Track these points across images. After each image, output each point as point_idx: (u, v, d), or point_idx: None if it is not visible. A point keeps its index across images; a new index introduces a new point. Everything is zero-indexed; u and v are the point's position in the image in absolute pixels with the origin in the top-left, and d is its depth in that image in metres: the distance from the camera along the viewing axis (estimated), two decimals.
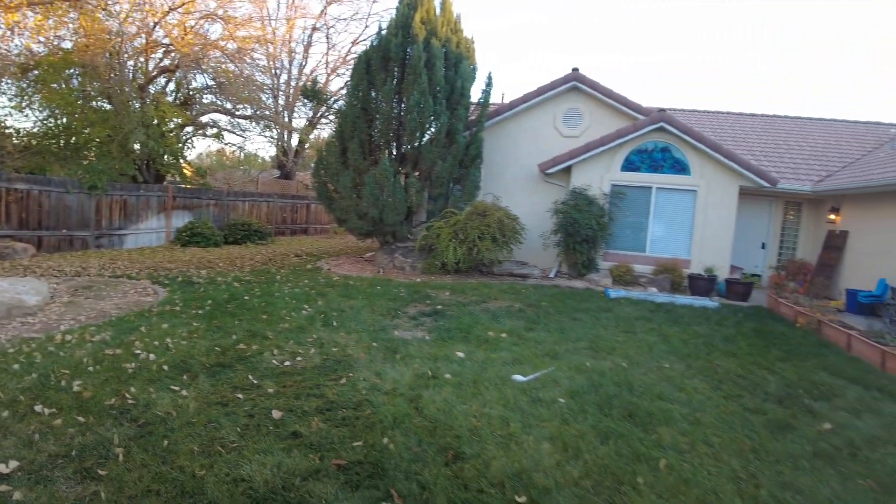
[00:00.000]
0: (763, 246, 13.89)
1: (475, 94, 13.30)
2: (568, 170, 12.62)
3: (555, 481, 3.25)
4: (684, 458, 3.71)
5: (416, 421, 3.99)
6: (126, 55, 15.93)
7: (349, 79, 13.15)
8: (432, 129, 12.09)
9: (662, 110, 11.97)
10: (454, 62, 12.36)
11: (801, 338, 7.83)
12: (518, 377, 5.19)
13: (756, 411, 4.80)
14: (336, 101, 20.49)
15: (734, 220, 11.97)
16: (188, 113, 18.35)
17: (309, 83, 18.99)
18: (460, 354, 5.88)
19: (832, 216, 12.61)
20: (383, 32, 12.50)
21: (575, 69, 12.86)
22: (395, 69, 12.12)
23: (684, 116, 16.83)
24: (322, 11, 21.78)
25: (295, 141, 22.46)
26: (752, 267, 13.64)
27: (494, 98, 16.55)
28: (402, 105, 12.08)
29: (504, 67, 48.70)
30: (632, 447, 3.78)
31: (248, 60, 18.38)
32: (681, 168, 12.07)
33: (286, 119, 21.44)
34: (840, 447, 4.13)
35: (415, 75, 11.61)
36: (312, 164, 15.58)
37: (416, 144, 12.07)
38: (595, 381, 5.23)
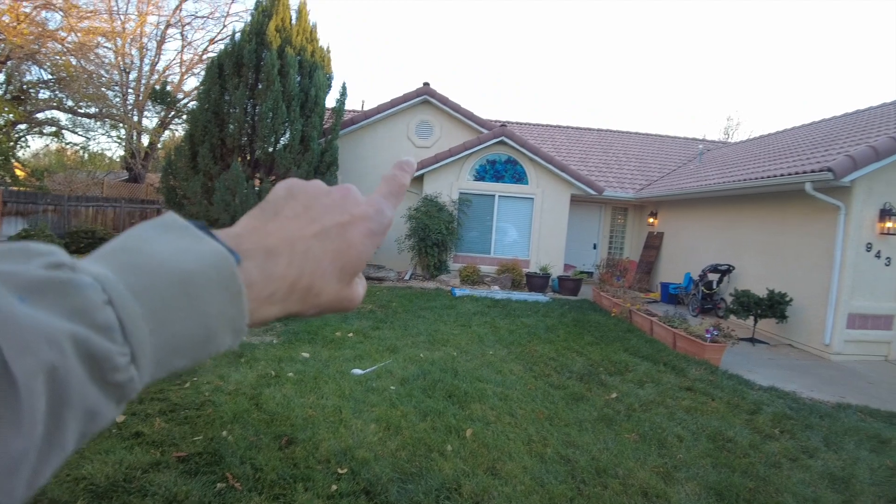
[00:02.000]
0: (594, 246, 15.85)
1: (332, 103, 13.87)
2: (421, 178, 13.61)
3: (374, 454, 3.90)
4: (489, 427, 4.58)
5: (256, 415, 4.37)
6: None
7: (201, 82, 13.20)
8: (287, 136, 12.52)
9: (504, 125, 13.33)
10: (309, 71, 12.89)
11: (613, 325, 9.31)
12: (357, 371, 5.84)
13: (559, 387, 5.90)
14: (188, 101, 20.03)
15: (566, 224, 13.62)
16: (21, 109, 17.16)
17: (158, 86, 18.43)
18: (305, 355, 6.44)
19: (651, 220, 14.73)
20: (237, 38, 12.70)
21: (426, 84, 13.90)
22: (249, 75, 12.41)
23: (533, 130, 18.59)
24: (177, 7, 21.17)
25: (146, 142, 21.59)
26: (590, 265, 15.48)
27: (356, 106, 17.27)
28: (256, 111, 12.39)
29: (372, 76, 49.62)
30: (446, 422, 4.59)
31: (93, 55, 17.54)
32: (520, 178, 13.51)
33: (136, 119, 20.59)
34: (620, 411, 5.30)
35: (268, 82, 12.02)
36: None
37: (270, 150, 12.44)
38: (425, 369, 6.07)
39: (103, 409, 0.31)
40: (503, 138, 13.16)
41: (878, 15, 44.38)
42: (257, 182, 12.52)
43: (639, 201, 14.98)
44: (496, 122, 13.71)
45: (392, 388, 5.40)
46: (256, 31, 12.62)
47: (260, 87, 12.23)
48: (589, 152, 17.30)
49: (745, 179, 10.15)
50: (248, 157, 12.75)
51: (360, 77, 49.80)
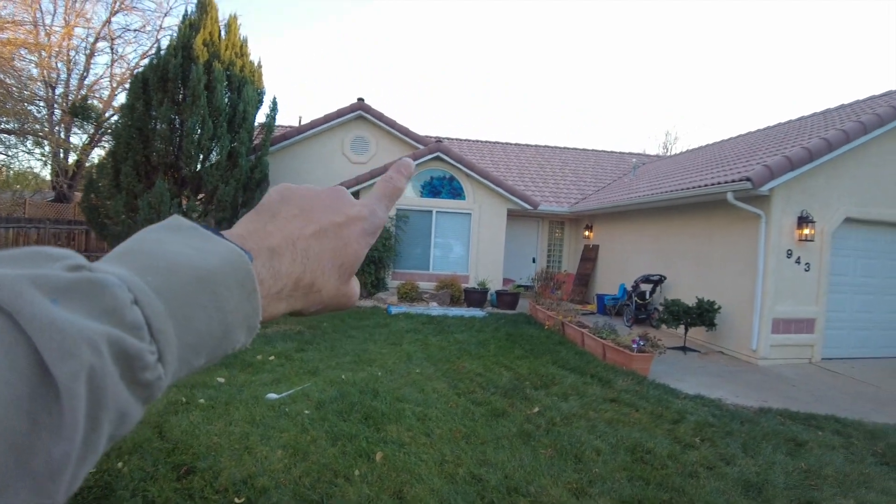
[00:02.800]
0: (534, 260, 15.84)
1: (264, 119, 13.48)
2: (357, 195, 13.30)
3: (276, 482, 3.64)
4: (403, 449, 4.33)
5: (157, 444, 4.13)
6: None
7: (126, 97, 12.60)
8: (215, 153, 12.05)
9: (440, 141, 13.21)
10: (238, 86, 12.48)
11: (545, 338, 9.17)
12: (272, 396, 5.51)
13: (482, 403, 5.67)
14: (116, 117, 19.16)
15: (504, 239, 13.54)
16: None
17: (79, 101, 17.58)
18: (220, 380, 6.06)
19: (587, 233, 14.83)
20: (162, 52, 12.21)
21: (360, 99, 13.69)
22: (175, 90, 11.91)
23: (472, 147, 18.60)
24: (107, 20, 20.35)
25: (73, 159, 20.53)
26: (525, 279, 15.43)
27: (293, 122, 16.85)
28: (182, 127, 11.88)
29: (315, 93, 49.03)
30: (357, 446, 4.32)
31: (11, 69, 16.58)
32: (457, 193, 13.38)
33: (62, 135, 19.58)
34: (540, 426, 5.10)
35: (194, 97, 11.55)
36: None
37: (196, 168, 11.92)
38: (345, 391, 5.77)
39: (132, 410, 0.31)
40: (439, 154, 13.02)
41: (814, 28, 46.90)
42: (184, 200, 11.96)
43: (574, 215, 15.07)
44: (433, 138, 13.56)
45: (306, 412, 5.10)
46: (183, 44, 12.16)
47: (186, 102, 11.74)
48: (526, 167, 17.39)
49: (670, 191, 10.28)
50: (175, 175, 12.19)
51: (302, 94, 49.04)
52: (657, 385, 6.76)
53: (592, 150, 19.96)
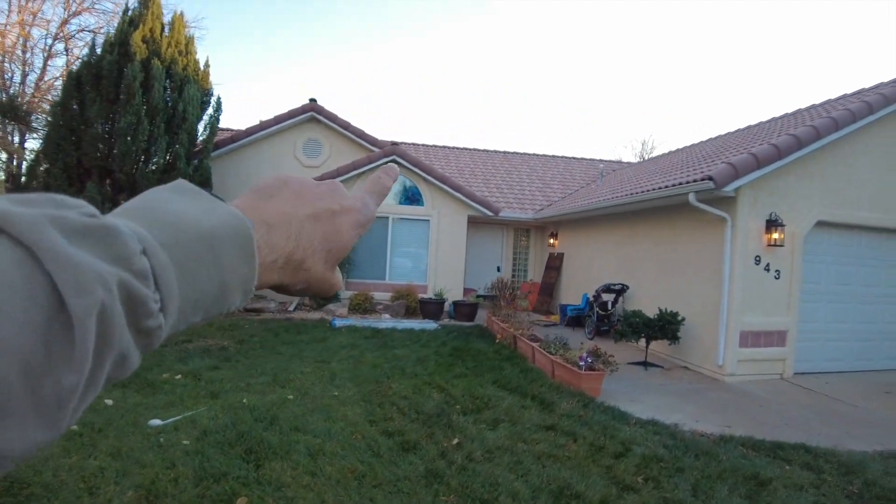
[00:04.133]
0: (498, 269, 14.94)
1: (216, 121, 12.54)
2: None
3: None
4: (277, 492, 3.53)
5: None
6: None
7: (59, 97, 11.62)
8: (154, 155, 11.09)
9: (395, 144, 12.34)
10: (179, 85, 11.52)
11: (494, 353, 8.26)
12: (156, 421, 4.72)
13: (394, 434, 4.79)
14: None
15: (465, 246, 12.65)
16: None
17: (6, 101, 16.53)
18: (108, 402, 5.24)
19: (552, 240, 13.97)
20: (98, 49, 11.27)
21: (312, 100, 12.80)
22: (110, 89, 10.95)
23: (439, 153, 17.77)
24: (64, 20, 19.39)
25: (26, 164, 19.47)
26: (489, 289, 14.51)
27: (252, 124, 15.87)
28: (115, 128, 10.91)
29: (280, 97, 47.81)
30: (224, 487, 3.54)
31: None
32: (415, 199, 12.49)
33: (15, 140, 18.52)
34: (454, 462, 4.21)
35: (129, 96, 10.60)
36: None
37: (132, 171, 10.93)
38: (239, 418, 4.96)
39: (132, 355, 0.32)
40: (395, 157, 12.13)
41: (818, 33, 46.83)
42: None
43: (538, 222, 14.22)
44: (391, 142, 12.66)
45: (185, 442, 4.29)
46: (121, 41, 11.23)
47: (121, 101, 10.77)
48: (493, 174, 16.55)
49: (631, 193, 9.45)
50: (110, 179, 11.20)
51: (265, 98, 47.74)
52: (606, 408, 5.87)
53: (562, 157, 19.19)
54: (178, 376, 6.38)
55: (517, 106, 52.41)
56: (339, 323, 10.18)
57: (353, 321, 10.40)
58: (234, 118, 48.90)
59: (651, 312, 8.18)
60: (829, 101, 10.05)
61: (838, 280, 8.46)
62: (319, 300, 11.80)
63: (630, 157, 33.81)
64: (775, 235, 7.63)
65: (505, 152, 18.95)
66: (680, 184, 7.88)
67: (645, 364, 8.20)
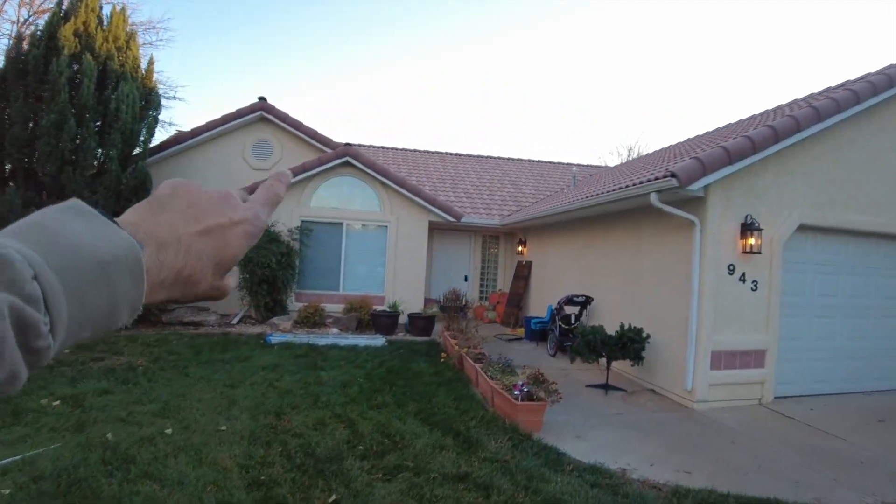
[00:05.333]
0: (466, 278, 13.81)
1: (155, 122, 11.46)
2: None
3: None
4: None
5: None
6: None
7: None
8: (85, 157, 10.00)
9: (349, 144, 11.27)
10: (114, 82, 10.45)
11: (433, 376, 7.19)
12: None
13: (262, 486, 3.83)
14: None
15: (425, 254, 11.55)
16: None
17: None
18: None
19: (520, 248, 12.86)
20: (24, 43, 10.22)
21: (262, 98, 11.73)
22: (36, 85, 9.88)
23: (408, 156, 16.69)
24: (26, 22, 18.40)
25: None
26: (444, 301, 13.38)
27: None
28: (38, 126, 9.83)
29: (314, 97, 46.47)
30: None
31: None
32: (371, 203, 11.40)
33: None
34: None
35: (54, 93, 9.53)
36: None
37: (58, 173, 9.84)
38: (86, 459, 3.96)
39: (22, 373, 0.34)
40: (348, 158, 11.06)
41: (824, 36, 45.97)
42: None
43: (506, 228, 13.10)
44: (345, 143, 11.56)
45: (6, 491, 3.46)
46: (49, 34, 10.17)
47: (46, 99, 9.71)
48: (462, 178, 15.46)
49: (591, 196, 8.37)
50: (34, 182, 10.11)
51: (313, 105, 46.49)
52: (542, 448, 4.76)
53: (537, 161, 18.12)
54: (57, 402, 5.41)
55: (517, 106, 51.07)
56: (274, 339, 9.05)
57: (292, 337, 9.26)
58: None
59: (616, 327, 7.07)
60: (811, 95, 8.97)
61: (824, 291, 7.35)
62: (263, 313, 10.70)
63: (616, 163, 32.69)
64: (751, 241, 6.53)
65: (478, 156, 17.89)
66: (640, 182, 6.78)
67: (605, 387, 7.08)
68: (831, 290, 7.39)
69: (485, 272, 13.98)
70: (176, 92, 16.09)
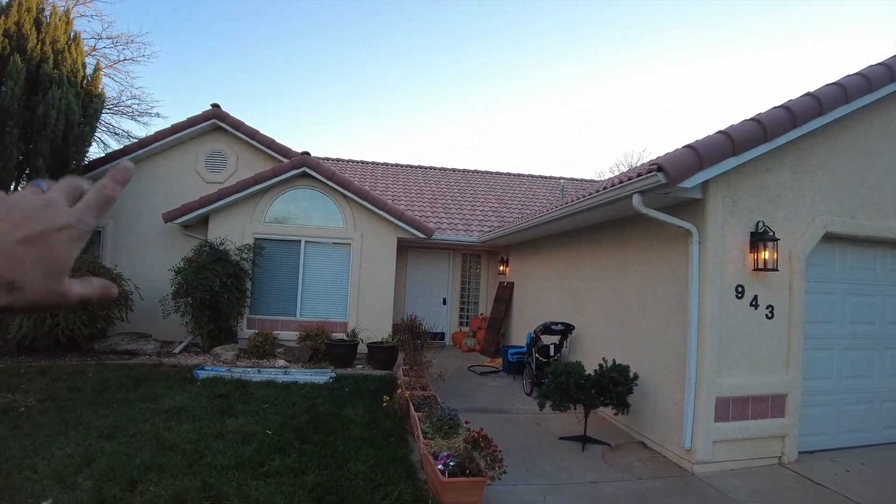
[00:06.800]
0: (444, 301, 12.15)
1: (91, 131, 10.12)
2: (205, 219, 9.81)
3: None
4: None
5: None
6: None
7: None
8: (13, 167, 8.65)
9: (307, 153, 9.79)
10: (47, 86, 9.13)
11: (367, 426, 5.63)
12: None
13: None
14: None
15: (394, 275, 9.96)
16: None
17: None
18: None
19: (502, 267, 11.24)
20: None
21: (215, 105, 10.33)
22: None
23: (389, 170, 15.22)
24: None
25: None
26: (436, 325, 11.74)
27: None
28: None
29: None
30: None
31: None
32: (332, 219, 9.88)
33: None
34: None
35: None
36: None
37: None
38: None
39: None
40: (305, 169, 9.59)
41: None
42: None
43: (488, 246, 11.49)
44: (303, 152, 10.07)
45: None
46: None
47: None
48: (443, 193, 13.91)
49: (569, 203, 6.77)
50: None
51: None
52: None
53: (527, 175, 16.52)
54: None
55: (516, 107, 49.36)
56: (203, 373, 7.48)
57: (226, 371, 7.69)
58: None
59: (602, 361, 5.42)
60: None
61: (857, 317, 5.64)
62: (208, 341, 9.15)
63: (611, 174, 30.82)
64: (765, 255, 4.88)
65: (462, 170, 16.34)
66: (622, 182, 5.17)
67: (583, 440, 5.39)
68: (867, 315, 5.68)
69: (465, 295, 12.33)
70: (152, 107, 14.97)
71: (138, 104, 16.46)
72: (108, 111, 15.97)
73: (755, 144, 4.73)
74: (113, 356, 8.77)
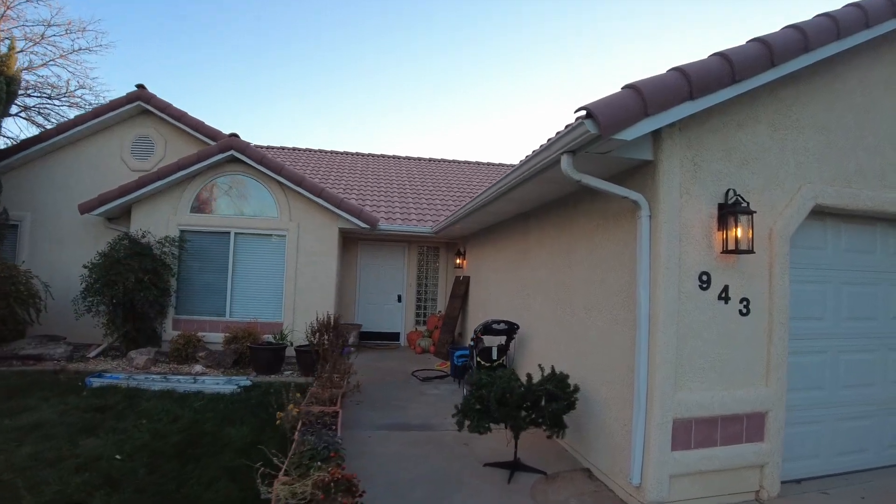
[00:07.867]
0: (399, 298, 10.87)
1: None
2: (127, 209, 8.55)
3: None
4: None
5: None
6: None
7: None
8: None
9: (235, 135, 8.51)
10: None
11: (241, 452, 4.34)
12: None
13: None
14: None
15: (335, 270, 8.70)
16: None
17: None
18: None
19: (458, 260, 9.96)
20: None
21: (140, 85, 9.06)
22: None
23: (335, 158, 13.97)
24: None
25: None
26: (390, 324, 10.47)
27: None
28: None
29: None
30: None
31: None
32: (266, 208, 8.62)
33: None
34: None
35: None
36: None
37: None
38: None
39: None
40: (233, 153, 8.34)
41: None
42: None
43: (443, 237, 10.21)
44: (230, 134, 8.74)
45: None
46: None
47: None
48: (396, 182, 12.62)
49: (499, 180, 5.48)
50: None
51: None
52: None
53: (486, 164, 15.27)
54: None
55: (513, 99, 47.99)
56: (97, 381, 6.25)
57: (125, 378, 6.44)
58: None
59: (548, 367, 4.16)
60: None
61: (855, 312, 4.37)
62: (125, 343, 7.91)
63: None
64: (737, 233, 3.60)
65: (419, 158, 15.05)
66: (549, 141, 3.88)
67: (513, 467, 4.12)
68: (867, 308, 4.41)
69: (423, 291, 11.05)
70: (105, 98, 13.78)
71: (92, 95, 15.20)
72: (62, 103, 14.72)
73: (721, 86, 3.45)
74: (16, 362, 7.54)
